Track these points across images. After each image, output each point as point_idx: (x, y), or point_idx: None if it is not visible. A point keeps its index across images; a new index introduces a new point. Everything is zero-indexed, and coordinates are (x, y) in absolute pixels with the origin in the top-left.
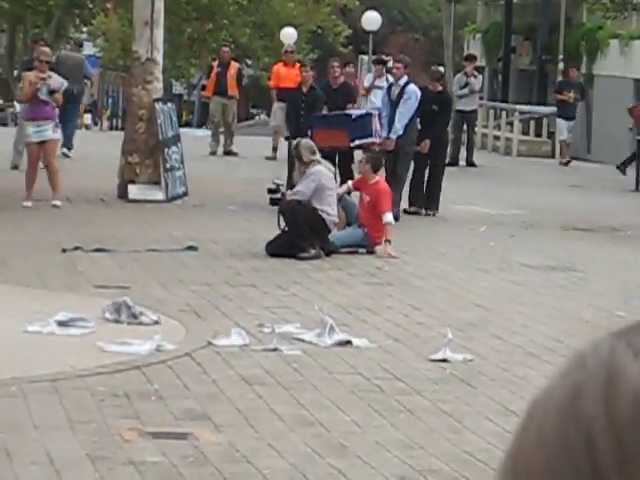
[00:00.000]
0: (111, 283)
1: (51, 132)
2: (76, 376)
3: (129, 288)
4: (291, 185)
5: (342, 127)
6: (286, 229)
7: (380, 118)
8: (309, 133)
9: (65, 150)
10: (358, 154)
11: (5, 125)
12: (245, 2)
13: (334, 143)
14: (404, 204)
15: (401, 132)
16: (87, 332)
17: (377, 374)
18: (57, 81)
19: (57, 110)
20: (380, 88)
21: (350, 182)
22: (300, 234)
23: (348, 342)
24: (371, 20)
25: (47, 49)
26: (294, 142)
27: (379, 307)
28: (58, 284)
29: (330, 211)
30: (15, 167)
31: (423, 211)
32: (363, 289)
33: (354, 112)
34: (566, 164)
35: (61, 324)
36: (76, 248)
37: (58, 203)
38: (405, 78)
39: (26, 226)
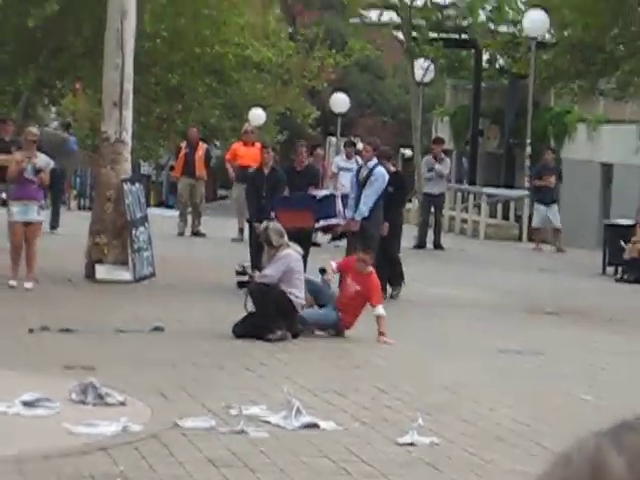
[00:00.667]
0: (78, 364)
1: (36, 214)
2: (42, 457)
3: (95, 369)
4: (256, 266)
5: (307, 208)
6: (253, 311)
7: (343, 199)
8: (272, 214)
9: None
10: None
11: None
12: (214, 84)
13: (299, 224)
14: None
15: (366, 214)
16: (53, 413)
17: (344, 457)
18: (43, 160)
19: (43, 190)
20: (349, 170)
21: (334, 264)
22: (268, 316)
23: (315, 425)
24: (339, 102)
25: (34, 129)
26: (262, 226)
27: (346, 389)
28: (24, 364)
29: (298, 294)
30: None
31: (389, 291)
32: (330, 371)
33: (318, 193)
34: (539, 250)
35: (27, 404)
36: (43, 328)
37: (29, 285)
38: (374, 161)
39: None
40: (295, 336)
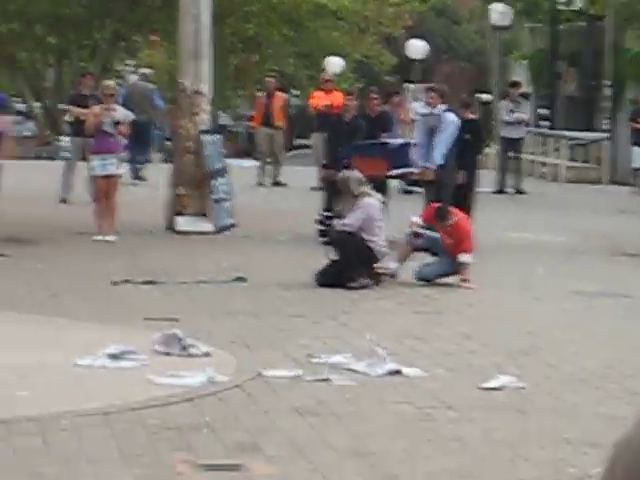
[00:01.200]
0: (161, 315)
1: (115, 167)
2: (128, 409)
3: (179, 320)
4: (329, 210)
5: (381, 156)
6: (335, 259)
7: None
8: (346, 162)
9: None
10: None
11: (53, 159)
12: (291, 33)
13: (372, 172)
14: None
15: (440, 161)
16: (138, 365)
17: (429, 403)
18: (122, 113)
19: (123, 142)
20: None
21: (417, 219)
22: (349, 264)
23: (398, 371)
24: (416, 48)
25: (111, 82)
26: (342, 174)
27: (429, 336)
28: (108, 317)
29: (379, 241)
30: (63, 201)
31: None
32: (413, 318)
33: (392, 141)
34: None
35: (112, 357)
36: (126, 281)
37: (111, 238)
38: (442, 106)
39: (76, 259)
40: (377, 283)
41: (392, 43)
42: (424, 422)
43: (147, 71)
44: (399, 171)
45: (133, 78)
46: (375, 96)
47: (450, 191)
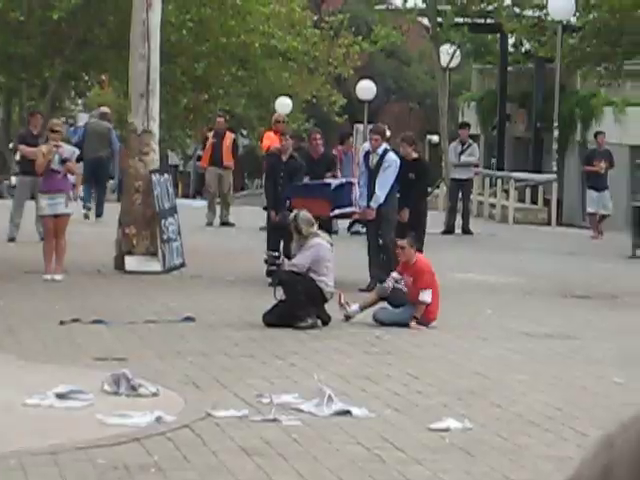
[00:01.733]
0: (109, 355)
1: (63, 206)
2: (76, 448)
3: (127, 360)
4: (272, 250)
5: (322, 196)
6: (283, 299)
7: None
8: (287, 202)
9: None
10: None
11: (1, 197)
12: (240, 73)
13: (314, 212)
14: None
15: (382, 200)
16: (86, 404)
17: (377, 444)
18: (68, 150)
19: (71, 180)
20: None
21: (394, 273)
22: (298, 304)
23: (347, 412)
24: (366, 89)
25: (58, 120)
26: (292, 214)
27: (378, 376)
28: (57, 356)
29: (328, 282)
30: (11, 240)
31: None
32: (362, 358)
33: (333, 181)
34: (596, 237)
35: (60, 396)
36: (74, 320)
37: (59, 277)
38: (383, 146)
39: (24, 298)
40: (325, 324)
41: (342, 84)
42: (372, 463)
43: (106, 110)
44: (341, 211)
45: (84, 117)
46: (318, 137)
47: (393, 227)
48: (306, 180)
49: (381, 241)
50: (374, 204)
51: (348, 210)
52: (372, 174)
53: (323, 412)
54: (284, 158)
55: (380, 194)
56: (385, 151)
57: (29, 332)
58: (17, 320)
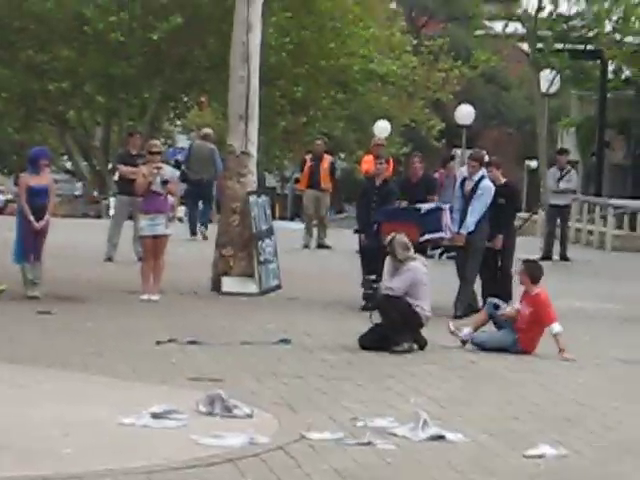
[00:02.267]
0: (205, 376)
1: (163, 227)
2: (170, 469)
3: (222, 381)
4: (367, 274)
5: (411, 221)
6: (380, 323)
7: (451, 212)
8: (376, 226)
9: (202, 229)
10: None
11: (99, 217)
12: (339, 96)
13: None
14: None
15: (472, 228)
16: (181, 424)
17: (471, 469)
18: (169, 172)
19: (171, 200)
20: None
21: (517, 305)
22: (394, 328)
23: (442, 437)
24: (465, 114)
25: (157, 141)
26: (388, 238)
27: (473, 401)
28: (152, 376)
29: (424, 306)
30: (109, 259)
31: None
32: (457, 383)
33: (424, 206)
34: None
35: (155, 416)
36: (170, 340)
37: (156, 298)
38: (480, 173)
39: (121, 318)
40: (421, 348)
41: (440, 108)
42: None
43: (209, 131)
44: (430, 236)
45: (182, 138)
46: (417, 160)
47: (480, 257)
48: (404, 204)
49: (466, 269)
50: (464, 230)
51: (437, 236)
52: (466, 200)
53: (418, 436)
54: (378, 182)
55: (471, 221)
56: (481, 178)
57: (126, 352)
58: (114, 340)
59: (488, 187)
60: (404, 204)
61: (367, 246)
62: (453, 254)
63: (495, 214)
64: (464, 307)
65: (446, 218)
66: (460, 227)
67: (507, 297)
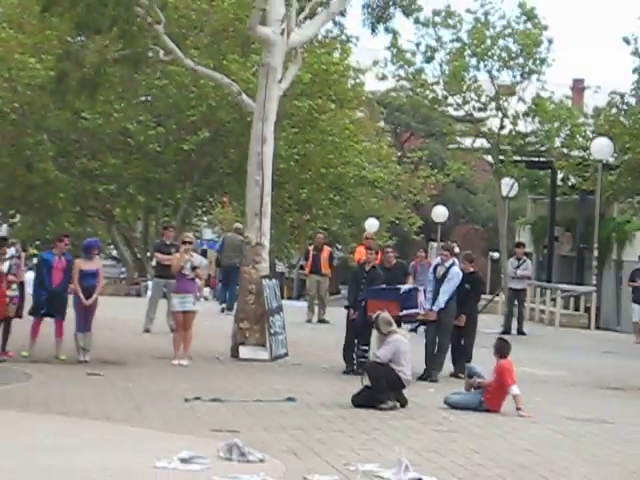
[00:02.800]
0: (224, 427)
1: (191, 304)
2: None
3: (239, 432)
4: (349, 344)
5: (392, 299)
6: (368, 384)
7: (425, 293)
8: (363, 303)
9: (224, 307)
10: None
11: (139, 296)
12: (336, 198)
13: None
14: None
15: (443, 305)
16: (204, 468)
17: None
18: (198, 259)
19: (198, 283)
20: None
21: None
22: (380, 389)
23: (420, 479)
24: (439, 213)
25: (190, 234)
26: (374, 315)
27: (445, 450)
28: (181, 428)
29: (406, 371)
30: (147, 331)
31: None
32: (432, 435)
33: (403, 287)
34: (639, 342)
35: (183, 461)
36: (196, 398)
37: (185, 363)
38: (451, 261)
39: (156, 379)
40: (403, 406)
41: (419, 208)
42: None
43: (240, 225)
44: (408, 311)
45: (208, 232)
46: (389, 250)
47: (450, 331)
48: (382, 286)
49: (438, 340)
50: (436, 308)
51: (413, 311)
52: (438, 283)
53: (400, 479)
54: (367, 268)
55: (442, 299)
56: (451, 265)
57: (159, 408)
58: (148, 398)
59: (457, 272)
60: (382, 286)
61: (355, 318)
62: (414, 327)
63: (461, 297)
64: (437, 372)
65: (421, 297)
66: (433, 305)
67: (461, 368)
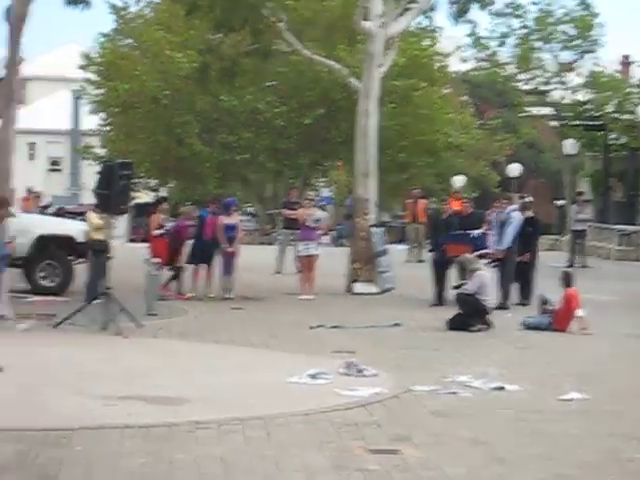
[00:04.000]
0: (343, 349)
1: (314, 249)
2: (321, 412)
3: (355, 352)
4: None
5: (466, 242)
6: (460, 312)
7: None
8: (442, 246)
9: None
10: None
11: (271, 244)
12: (429, 160)
13: (461, 253)
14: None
15: (507, 246)
16: (328, 382)
17: (523, 409)
18: (319, 214)
19: (319, 232)
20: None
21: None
22: (469, 315)
23: (502, 387)
24: (514, 170)
25: (311, 193)
26: (460, 257)
27: (523, 363)
28: (309, 350)
29: (489, 300)
30: (278, 272)
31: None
32: (512, 351)
33: (474, 232)
34: None
35: (311, 377)
36: (320, 326)
37: (311, 297)
38: (511, 207)
39: (286, 311)
40: (488, 328)
41: (497, 166)
42: (521, 422)
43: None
44: (478, 252)
45: (325, 191)
46: (466, 201)
47: (513, 266)
48: (458, 232)
49: (505, 274)
50: (501, 248)
51: (484, 252)
52: (502, 227)
53: (487, 387)
54: (443, 217)
55: (506, 240)
56: (511, 211)
57: (290, 334)
58: (281, 327)
59: (517, 216)
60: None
61: (436, 259)
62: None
63: (525, 238)
64: (507, 300)
65: (490, 240)
66: (499, 245)
67: (527, 296)
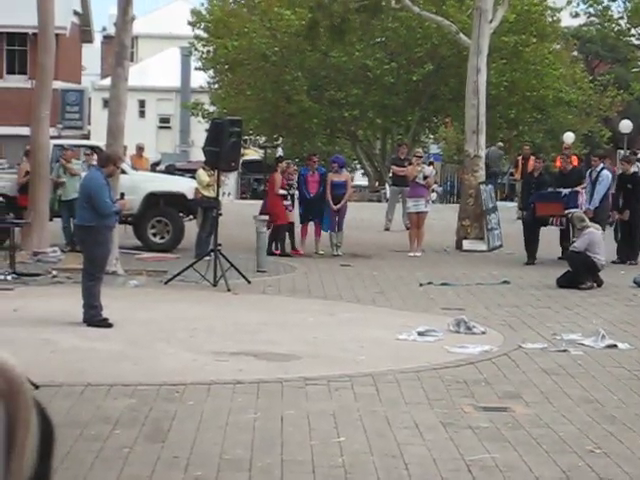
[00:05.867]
0: (452, 306)
1: (423, 206)
2: (431, 369)
3: (465, 309)
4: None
5: (556, 201)
6: (570, 269)
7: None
8: (532, 205)
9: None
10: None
11: (379, 201)
12: (539, 116)
13: (551, 212)
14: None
15: (597, 204)
16: (437, 339)
17: (635, 367)
18: (427, 170)
19: (429, 189)
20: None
21: None
22: (579, 272)
23: (615, 345)
24: (625, 126)
25: (420, 149)
26: (569, 215)
27: (635, 321)
28: (417, 307)
29: (599, 257)
30: (387, 229)
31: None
32: (624, 309)
33: (564, 191)
34: None
35: (420, 334)
36: (429, 283)
37: (418, 254)
38: (601, 165)
39: (395, 268)
40: (599, 286)
41: (608, 122)
42: (633, 380)
43: (500, 144)
44: (569, 211)
45: (434, 147)
46: (566, 157)
47: (605, 224)
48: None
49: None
50: (592, 206)
51: (574, 211)
52: (592, 185)
53: (598, 345)
54: (535, 174)
55: (597, 198)
56: (602, 169)
57: (397, 292)
58: (390, 284)
59: (606, 175)
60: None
61: (526, 218)
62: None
63: (625, 195)
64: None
65: (582, 198)
66: (589, 204)
67: (635, 254)
